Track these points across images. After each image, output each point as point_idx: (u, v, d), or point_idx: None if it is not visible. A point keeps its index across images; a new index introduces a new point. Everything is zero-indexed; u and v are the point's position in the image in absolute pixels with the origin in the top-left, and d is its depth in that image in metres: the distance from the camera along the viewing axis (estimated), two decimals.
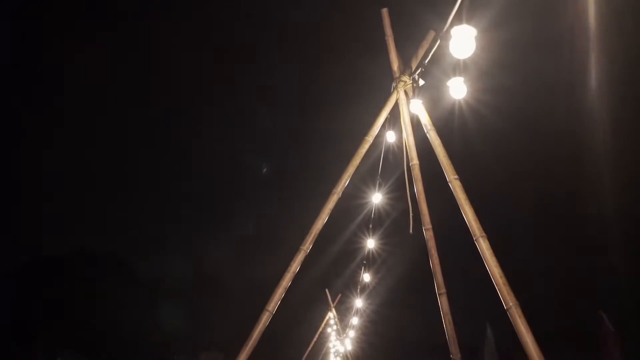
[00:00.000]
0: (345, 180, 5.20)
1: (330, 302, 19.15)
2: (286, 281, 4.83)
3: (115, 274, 39.85)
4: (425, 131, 5.03)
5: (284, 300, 4.88)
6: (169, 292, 43.20)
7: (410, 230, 5.70)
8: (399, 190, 6.28)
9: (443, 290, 5.68)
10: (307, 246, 4.97)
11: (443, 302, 5.67)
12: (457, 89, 3.58)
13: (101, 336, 34.35)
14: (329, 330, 21.92)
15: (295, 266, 4.90)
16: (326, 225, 5.18)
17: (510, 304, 3.97)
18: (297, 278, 4.99)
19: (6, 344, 31.67)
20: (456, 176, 4.61)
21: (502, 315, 4.09)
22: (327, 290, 19.41)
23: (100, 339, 33.84)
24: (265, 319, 4.71)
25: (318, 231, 5.06)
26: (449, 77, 3.64)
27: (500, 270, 4.16)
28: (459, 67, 3.51)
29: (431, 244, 5.64)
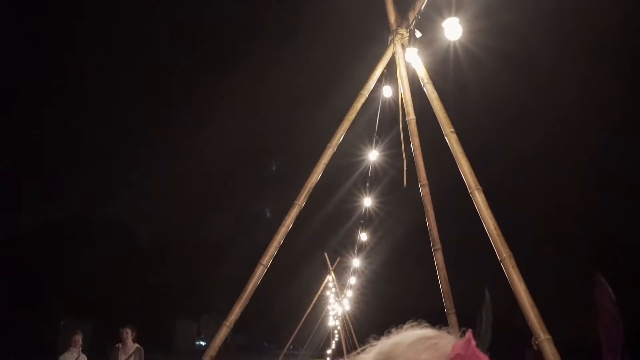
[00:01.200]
0: (340, 134, 5.12)
1: (329, 266, 19.31)
2: (280, 235, 4.79)
3: (117, 239, 40.20)
4: (422, 84, 4.92)
5: (283, 265, 4.86)
6: (172, 257, 43.68)
7: (405, 184, 5.66)
8: (396, 147, 6.21)
9: (438, 246, 5.67)
10: (301, 201, 4.92)
11: (438, 258, 5.66)
12: (452, 30, 3.46)
13: (103, 300, 34.90)
14: (327, 293, 22.18)
15: (289, 221, 4.85)
16: (324, 186, 5.11)
17: (504, 255, 3.94)
18: (295, 239, 4.97)
19: (11, 309, 32.17)
20: (452, 129, 4.53)
21: (500, 278, 4.05)
22: (325, 253, 19.56)
23: (102, 303, 34.38)
24: (259, 272, 4.70)
25: (313, 185, 5.00)
26: (443, 19, 3.51)
27: (494, 222, 4.12)
28: (454, 4, 3.37)
29: (427, 200, 5.60)
